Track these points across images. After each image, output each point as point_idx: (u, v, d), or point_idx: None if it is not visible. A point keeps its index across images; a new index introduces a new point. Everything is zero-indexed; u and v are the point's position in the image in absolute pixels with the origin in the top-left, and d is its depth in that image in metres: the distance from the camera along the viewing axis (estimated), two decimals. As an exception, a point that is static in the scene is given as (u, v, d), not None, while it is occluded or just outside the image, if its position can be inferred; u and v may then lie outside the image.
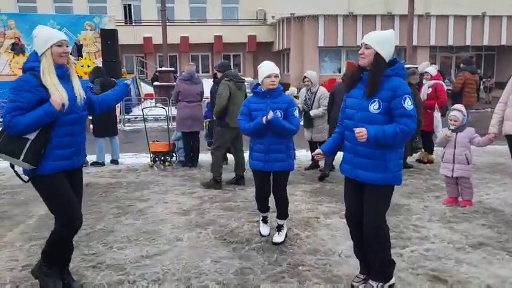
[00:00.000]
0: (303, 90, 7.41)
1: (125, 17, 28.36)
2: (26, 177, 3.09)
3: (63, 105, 2.91)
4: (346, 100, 3.23)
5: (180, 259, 3.89)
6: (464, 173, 5.26)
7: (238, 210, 5.29)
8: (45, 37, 2.99)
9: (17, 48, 19.55)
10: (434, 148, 8.06)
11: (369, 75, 3.04)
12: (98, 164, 7.97)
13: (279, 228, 4.31)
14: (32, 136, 2.89)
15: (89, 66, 17.96)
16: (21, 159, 2.87)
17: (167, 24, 20.94)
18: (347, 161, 3.22)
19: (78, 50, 20.31)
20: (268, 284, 3.42)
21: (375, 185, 3.06)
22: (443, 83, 7.65)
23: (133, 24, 27.97)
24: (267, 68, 4.12)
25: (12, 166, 3.08)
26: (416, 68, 9.26)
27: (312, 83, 7.18)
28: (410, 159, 7.75)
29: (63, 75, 3.06)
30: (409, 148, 7.17)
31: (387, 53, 3.02)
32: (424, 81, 7.62)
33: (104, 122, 7.82)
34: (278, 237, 4.24)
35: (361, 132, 2.92)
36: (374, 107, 3.00)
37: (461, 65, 9.38)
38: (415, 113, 2.99)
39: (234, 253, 4.02)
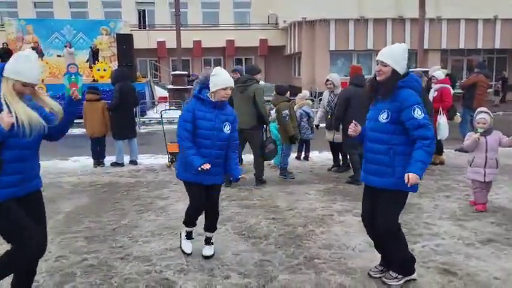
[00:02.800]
0: (326, 92, 7.55)
1: (139, 22, 28.83)
2: None
3: (12, 125, 2.69)
4: (370, 112, 3.44)
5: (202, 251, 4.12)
6: (494, 177, 5.23)
7: (255, 208, 5.52)
8: (18, 68, 2.80)
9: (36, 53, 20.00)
10: (444, 150, 8.23)
11: (381, 86, 3.28)
12: (117, 164, 8.25)
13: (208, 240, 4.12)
14: None
15: (104, 70, 18.32)
16: None
17: (180, 29, 21.28)
18: (362, 167, 3.47)
19: (94, 55, 20.72)
20: (286, 274, 3.64)
21: (386, 190, 3.25)
22: (449, 87, 7.80)
23: (147, 28, 28.41)
24: (225, 79, 3.78)
25: None
26: (426, 71, 9.42)
27: (334, 85, 7.34)
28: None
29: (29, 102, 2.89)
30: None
31: (402, 67, 3.25)
32: (432, 85, 7.80)
33: (122, 124, 8.11)
34: (208, 250, 4.05)
35: (412, 179, 3.04)
36: (383, 117, 3.23)
37: (476, 70, 9.54)
38: (428, 121, 3.15)
39: (253, 247, 4.25)
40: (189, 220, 4.03)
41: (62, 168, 8.25)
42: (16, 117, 2.74)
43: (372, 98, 3.41)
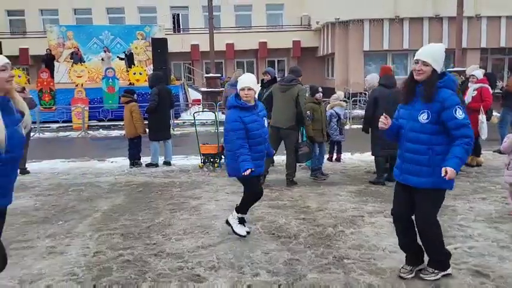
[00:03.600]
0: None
1: (174, 26, 29.40)
2: None
3: None
4: (400, 110, 3.49)
5: (232, 250, 4.22)
6: None
7: (285, 208, 5.57)
8: None
9: (75, 58, 20.79)
10: (482, 151, 8.02)
11: (423, 88, 3.27)
12: (152, 165, 8.48)
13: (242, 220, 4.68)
14: None
15: (140, 74, 18.80)
16: None
17: (213, 32, 21.58)
18: (397, 166, 3.52)
19: (129, 59, 21.30)
20: (315, 274, 3.67)
21: (424, 188, 3.30)
22: (488, 87, 7.60)
23: (182, 32, 28.94)
24: (243, 80, 4.38)
25: None
26: (461, 71, 9.22)
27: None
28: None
29: (3, 105, 2.67)
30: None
31: (440, 67, 3.29)
32: (469, 84, 7.62)
33: (158, 126, 8.34)
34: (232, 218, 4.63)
35: (450, 173, 3.09)
36: (423, 117, 3.26)
37: None
38: (468, 121, 3.23)
39: (282, 246, 4.30)
40: (246, 208, 4.56)
41: (100, 168, 8.55)
42: (12, 128, 2.67)
43: (407, 97, 3.41)
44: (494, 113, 8.35)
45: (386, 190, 6.26)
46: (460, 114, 3.18)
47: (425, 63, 3.25)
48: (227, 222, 4.61)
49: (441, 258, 3.48)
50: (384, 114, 3.49)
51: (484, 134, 7.37)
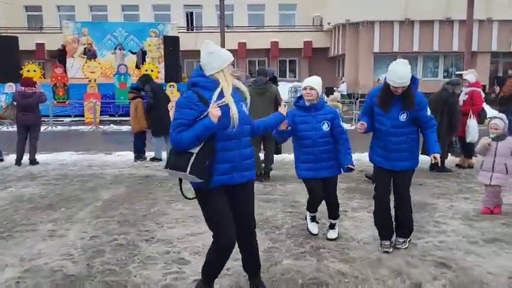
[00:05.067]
0: None
1: (187, 24, 29.85)
2: (191, 195, 3.19)
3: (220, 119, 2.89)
4: (375, 109, 4.09)
5: (218, 238, 4.52)
6: (501, 181, 5.29)
7: (275, 202, 5.87)
8: (224, 57, 3.05)
9: (89, 54, 21.31)
10: (477, 155, 8.19)
11: (405, 97, 3.87)
12: (155, 159, 8.85)
13: (332, 226, 4.65)
14: (195, 150, 2.92)
15: (152, 71, 19.19)
16: (187, 172, 2.90)
17: (226, 31, 21.93)
18: (382, 155, 4.11)
19: (143, 56, 21.75)
20: (290, 260, 3.97)
21: (406, 170, 4.04)
22: (480, 90, 7.79)
23: (195, 31, 29.36)
24: (305, 80, 4.42)
25: (180, 181, 3.17)
26: (456, 75, 9.39)
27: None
28: (450, 165, 7.93)
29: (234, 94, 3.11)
30: (445, 151, 7.38)
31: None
32: (462, 88, 7.82)
33: (159, 122, 8.68)
34: (332, 234, 4.56)
35: (438, 157, 3.97)
36: (403, 117, 3.96)
37: (510, 71, 9.38)
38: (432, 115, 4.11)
39: (265, 236, 4.60)
40: (310, 208, 4.64)
41: (106, 161, 8.94)
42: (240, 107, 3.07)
43: (387, 107, 3.96)
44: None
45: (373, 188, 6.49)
46: (429, 111, 4.04)
47: (403, 85, 3.81)
48: (305, 218, 4.83)
49: (411, 226, 4.19)
50: (361, 121, 4.10)
51: (470, 138, 7.52)
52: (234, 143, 3.05)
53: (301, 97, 4.39)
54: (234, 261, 3.90)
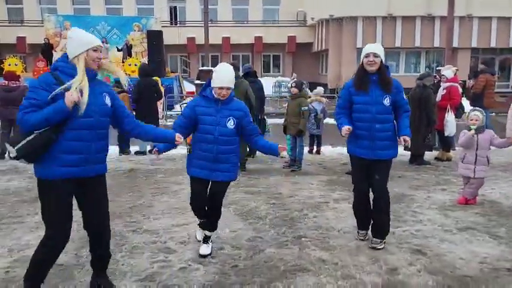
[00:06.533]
0: None
1: (171, 18, 29.69)
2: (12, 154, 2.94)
3: (76, 105, 2.82)
4: (355, 98, 4.02)
5: (203, 228, 4.65)
6: (484, 174, 5.47)
7: (259, 194, 6.01)
8: (83, 40, 2.96)
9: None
10: (456, 148, 8.45)
11: (381, 77, 3.92)
12: (140, 153, 8.91)
13: (206, 239, 4.03)
14: (37, 132, 2.84)
15: (135, 65, 19.12)
16: (15, 147, 2.83)
17: (210, 25, 21.91)
18: (365, 146, 4.01)
19: (128, 50, 21.62)
20: (273, 249, 4.13)
21: (385, 160, 4.02)
22: (457, 85, 8.04)
23: (178, 25, 29.24)
24: (222, 79, 3.72)
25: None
26: (437, 71, 9.63)
27: None
28: (429, 158, 8.17)
29: (91, 78, 2.99)
30: (421, 145, 7.61)
31: (383, 59, 3.94)
32: (441, 83, 8.07)
33: (143, 116, 8.69)
34: (205, 249, 3.98)
35: (408, 141, 3.98)
36: (387, 101, 3.96)
37: (481, 66, 9.59)
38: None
39: (249, 226, 4.75)
40: (195, 215, 4.06)
41: (91, 155, 8.95)
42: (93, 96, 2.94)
43: (366, 86, 3.95)
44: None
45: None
46: (405, 96, 4.16)
47: (375, 55, 3.88)
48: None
49: (387, 228, 4.14)
50: (348, 127, 3.97)
51: (448, 131, 7.79)
52: (87, 133, 2.94)
53: (208, 85, 3.81)
54: (219, 250, 4.04)
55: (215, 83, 3.75)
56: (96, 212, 3.20)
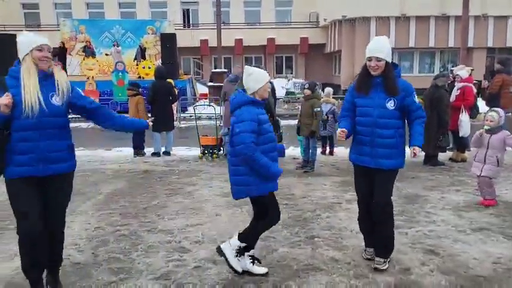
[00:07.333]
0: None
1: (184, 21, 29.93)
2: None
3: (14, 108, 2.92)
4: (357, 101, 3.69)
5: (217, 228, 4.72)
6: (491, 173, 5.43)
7: (272, 195, 6.04)
8: (27, 41, 3.03)
9: (88, 51, 21.42)
10: (471, 148, 8.36)
11: (386, 80, 3.56)
12: (155, 154, 9.03)
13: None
14: None
15: (149, 68, 19.35)
16: None
17: (222, 27, 22.05)
18: (366, 153, 3.66)
19: (142, 53, 21.84)
20: (286, 248, 4.17)
21: (389, 170, 3.61)
22: (472, 86, 7.98)
23: (191, 27, 29.46)
24: (264, 74, 3.63)
25: None
26: (451, 71, 9.55)
27: None
28: (443, 159, 8.12)
29: (42, 79, 3.06)
30: (432, 147, 7.56)
31: (390, 58, 3.61)
32: (455, 83, 8.01)
33: (158, 118, 8.82)
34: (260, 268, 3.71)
35: (418, 151, 3.58)
36: (391, 104, 3.57)
37: (497, 66, 9.45)
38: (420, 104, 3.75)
39: (262, 226, 4.78)
40: (256, 236, 3.79)
41: (105, 157, 9.11)
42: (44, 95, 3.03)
43: (367, 90, 3.62)
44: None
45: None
46: (416, 99, 3.65)
47: (378, 59, 3.52)
48: (219, 250, 3.71)
49: (391, 246, 3.75)
50: (342, 129, 3.67)
51: (462, 132, 7.74)
52: (33, 133, 3.00)
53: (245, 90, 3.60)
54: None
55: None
56: (53, 210, 3.24)
